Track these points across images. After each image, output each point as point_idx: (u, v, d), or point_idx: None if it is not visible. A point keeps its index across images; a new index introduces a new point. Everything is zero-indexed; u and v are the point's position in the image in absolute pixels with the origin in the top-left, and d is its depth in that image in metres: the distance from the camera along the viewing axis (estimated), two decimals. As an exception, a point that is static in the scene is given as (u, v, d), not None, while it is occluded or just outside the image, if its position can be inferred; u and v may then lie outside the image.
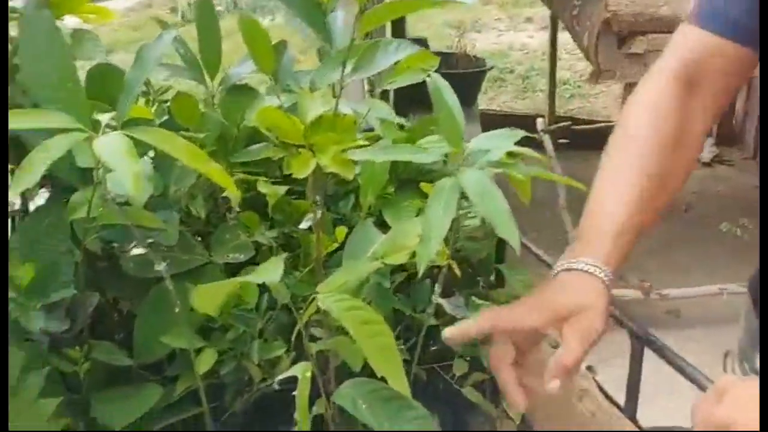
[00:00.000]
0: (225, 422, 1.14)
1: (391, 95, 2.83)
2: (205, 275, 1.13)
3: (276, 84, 0.96)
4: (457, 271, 0.97)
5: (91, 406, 1.02)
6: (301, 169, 0.83)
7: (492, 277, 1.22)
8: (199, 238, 1.22)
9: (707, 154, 4.19)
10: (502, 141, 0.85)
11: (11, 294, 0.90)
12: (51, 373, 0.97)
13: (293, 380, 1.14)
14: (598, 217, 0.89)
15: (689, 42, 1.00)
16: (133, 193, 0.75)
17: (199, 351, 1.04)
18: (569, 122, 4.44)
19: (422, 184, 1.25)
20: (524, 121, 4.11)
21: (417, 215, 1.28)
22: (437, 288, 0.99)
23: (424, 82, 0.92)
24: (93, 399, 1.04)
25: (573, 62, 6.40)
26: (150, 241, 1.20)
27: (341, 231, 1.06)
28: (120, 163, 0.75)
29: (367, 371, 0.88)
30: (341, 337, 0.84)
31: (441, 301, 1.03)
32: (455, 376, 1.19)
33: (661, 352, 0.91)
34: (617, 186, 0.90)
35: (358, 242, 1.11)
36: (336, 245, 1.05)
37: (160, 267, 0.92)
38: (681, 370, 0.92)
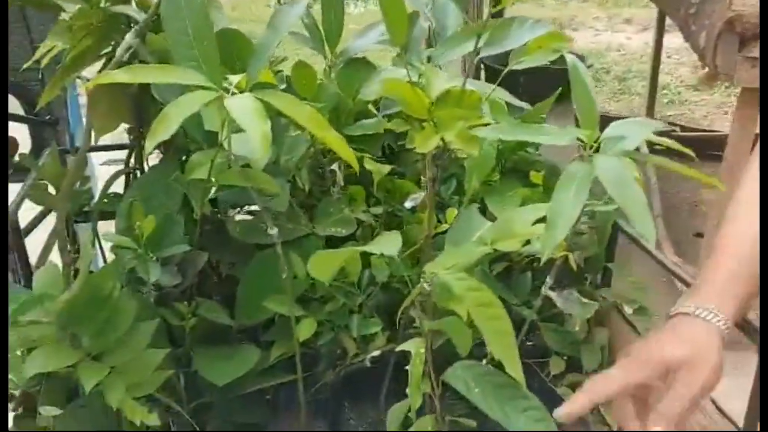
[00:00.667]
0: (316, 392, 1.15)
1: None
2: (307, 246, 1.13)
3: (405, 56, 0.94)
4: (574, 264, 0.93)
5: (194, 361, 1.04)
6: (425, 143, 0.81)
7: (599, 276, 1.17)
8: (302, 210, 1.23)
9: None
10: (638, 129, 0.80)
11: (131, 245, 0.93)
12: (158, 326, 1.00)
13: (384, 359, 1.14)
14: (730, 257, 0.78)
15: None
16: (259, 153, 0.75)
17: (298, 319, 1.05)
18: (670, 128, 4.24)
19: (532, 174, 1.21)
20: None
21: (521, 205, 1.24)
22: (548, 280, 0.95)
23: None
24: (195, 355, 1.06)
25: (673, 67, 6.11)
26: (254, 208, 1.23)
27: (452, 213, 1.04)
28: (250, 123, 0.76)
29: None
30: (453, 318, 0.82)
31: (551, 294, 0.99)
32: (550, 374, 1.16)
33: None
34: (754, 226, 0.80)
35: (463, 227, 1.08)
36: (446, 227, 1.03)
37: (273, 231, 0.93)
38: None
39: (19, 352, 0.84)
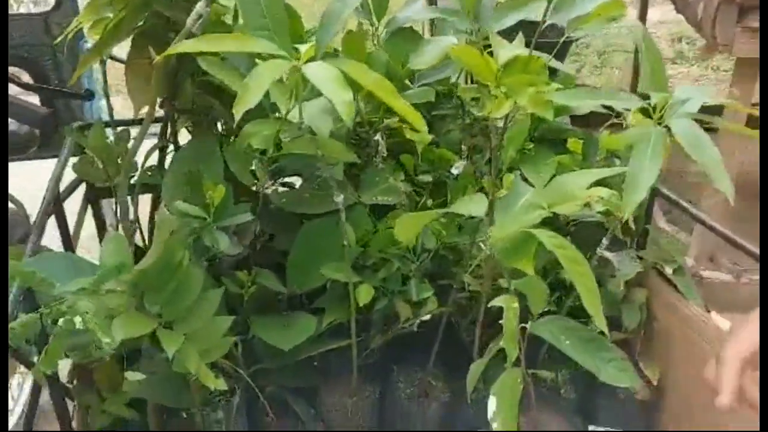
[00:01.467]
0: (366, 356, 1.18)
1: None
2: (353, 215, 1.15)
3: (477, 22, 0.96)
4: (632, 225, 0.97)
5: (254, 329, 1.06)
6: (498, 109, 0.83)
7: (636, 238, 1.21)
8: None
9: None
10: (698, 94, 0.84)
11: (198, 212, 0.94)
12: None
13: (433, 323, 1.17)
14: None
15: None
16: (346, 118, 0.77)
17: (354, 286, 1.07)
18: (652, 100, 4.31)
19: (571, 141, 1.25)
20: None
21: (557, 171, 1.28)
22: (605, 241, 0.99)
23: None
24: (253, 323, 1.08)
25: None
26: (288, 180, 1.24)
27: (509, 179, 1.07)
28: (334, 90, 0.78)
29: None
30: (532, 277, 0.86)
31: (608, 255, 1.03)
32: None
33: None
34: None
35: (510, 193, 1.12)
36: (505, 192, 1.05)
37: (339, 199, 0.95)
38: None
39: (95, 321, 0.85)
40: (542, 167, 1.29)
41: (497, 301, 0.83)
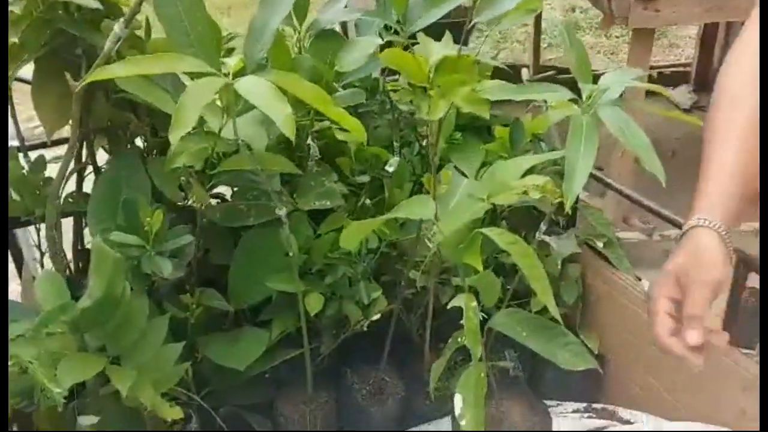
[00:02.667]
0: (319, 362, 1.17)
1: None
2: (292, 223, 1.13)
3: (404, 26, 0.96)
4: (568, 209, 1.00)
5: (204, 350, 1.03)
6: (434, 111, 0.84)
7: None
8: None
9: (686, 101, 4.30)
10: (617, 79, 0.88)
11: (137, 242, 0.90)
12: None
13: (377, 321, 1.18)
14: (713, 174, 0.87)
15: None
16: (287, 133, 0.75)
17: (301, 296, 1.06)
18: (554, 71, 4.47)
19: (498, 129, 1.28)
20: (508, 71, 4.13)
21: (486, 158, 1.31)
22: (543, 226, 1.03)
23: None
24: (202, 344, 1.05)
25: (547, 11, 6.41)
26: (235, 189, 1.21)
27: (447, 174, 1.08)
28: (271, 105, 0.76)
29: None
30: (486, 272, 0.87)
31: (547, 239, 1.07)
32: (532, 311, 1.25)
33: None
34: (730, 142, 0.89)
35: (449, 188, 1.13)
36: (445, 187, 1.07)
37: (281, 212, 0.93)
38: None
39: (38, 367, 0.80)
40: (472, 156, 1.32)
41: (455, 302, 0.85)
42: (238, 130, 0.87)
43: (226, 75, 0.82)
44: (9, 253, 1.42)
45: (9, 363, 0.77)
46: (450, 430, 1.12)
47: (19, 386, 0.83)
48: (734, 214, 0.86)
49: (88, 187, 1.21)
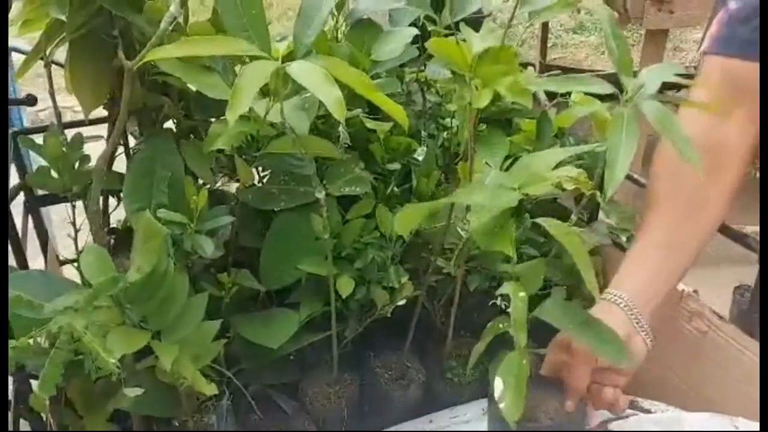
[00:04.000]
0: (343, 346, 1.20)
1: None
2: (321, 208, 1.16)
3: (451, 14, 0.98)
4: (600, 200, 1.02)
5: (240, 328, 1.05)
6: (478, 99, 0.86)
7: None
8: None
9: (691, 104, 4.36)
10: (657, 74, 0.90)
11: (182, 219, 0.92)
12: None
13: (404, 309, 1.20)
14: (635, 259, 1.01)
15: (714, 72, 1.00)
16: (338, 116, 0.77)
17: (332, 279, 1.08)
18: (559, 71, 4.49)
19: (525, 121, 1.30)
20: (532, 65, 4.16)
21: (511, 150, 1.33)
22: (573, 217, 1.05)
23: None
24: (236, 322, 1.07)
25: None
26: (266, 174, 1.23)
27: (479, 162, 1.10)
28: (323, 88, 0.78)
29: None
30: (539, 260, 0.90)
31: (577, 230, 1.09)
32: (552, 302, 1.27)
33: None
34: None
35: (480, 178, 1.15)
36: (480, 175, 1.09)
37: (320, 195, 0.95)
38: None
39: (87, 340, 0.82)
40: (496, 148, 1.34)
41: (503, 290, 0.87)
42: (289, 113, 0.89)
43: (277, 59, 0.83)
44: (36, 230, 1.44)
45: (58, 335, 0.79)
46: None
47: (62, 360, 0.84)
48: (655, 287, 0.92)
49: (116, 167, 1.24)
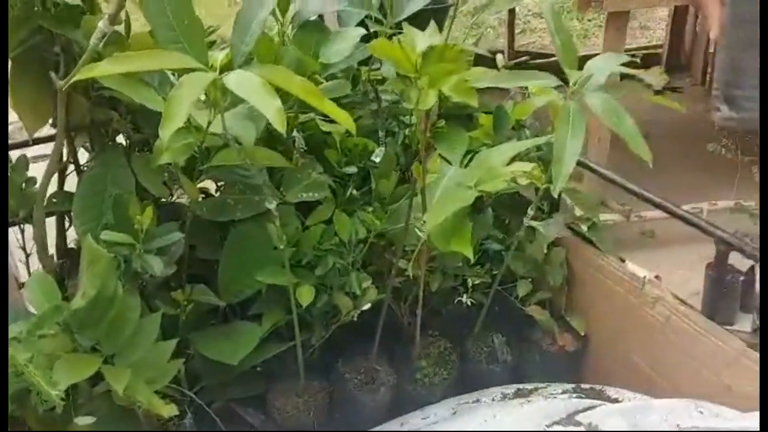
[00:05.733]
0: (310, 354, 1.18)
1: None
2: (280, 216, 1.14)
3: (390, 16, 0.96)
4: (556, 193, 1.01)
5: (199, 345, 1.03)
6: (424, 100, 0.85)
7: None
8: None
9: (660, 82, 4.37)
10: (603, 65, 0.89)
11: (127, 240, 0.90)
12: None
13: (370, 311, 1.19)
14: None
15: None
16: (278, 127, 0.75)
17: (292, 289, 1.06)
18: (528, 57, 4.50)
19: (482, 116, 1.28)
20: (483, 57, 4.17)
21: (471, 146, 1.32)
22: (530, 212, 1.04)
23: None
24: (195, 339, 1.05)
25: (519, -3, 6.43)
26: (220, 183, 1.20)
27: (435, 162, 1.09)
28: (262, 99, 0.76)
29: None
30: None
31: (535, 224, 1.08)
32: (518, 296, 1.27)
33: (751, 255, 1.00)
34: None
35: (437, 177, 1.14)
36: (435, 175, 1.07)
37: (271, 206, 0.93)
38: None
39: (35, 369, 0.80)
40: (456, 144, 1.32)
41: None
42: (226, 124, 0.87)
43: (214, 69, 0.81)
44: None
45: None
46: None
47: (12, 390, 0.82)
48: None
49: (69, 186, 1.20)
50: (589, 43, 5.77)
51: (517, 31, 6.16)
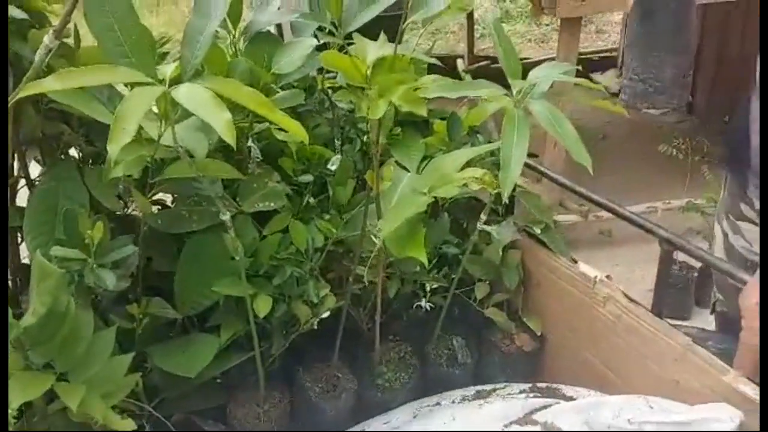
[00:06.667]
0: (270, 363, 1.18)
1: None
2: (236, 226, 1.13)
3: (339, 27, 0.97)
4: (505, 198, 1.03)
5: (156, 358, 1.03)
6: (374, 110, 0.86)
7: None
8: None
9: (614, 85, 4.47)
10: (546, 74, 0.92)
11: (78, 255, 0.89)
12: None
13: (330, 319, 1.19)
14: None
15: None
16: (227, 139, 0.76)
17: (249, 300, 1.06)
18: (488, 62, 4.56)
19: (436, 123, 1.30)
20: (444, 62, 4.22)
21: (426, 152, 1.34)
22: (483, 216, 1.06)
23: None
24: (152, 353, 1.04)
25: (478, 2, 6.52)
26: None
27: (388, 170, 1.10)
28: (210, 111, 0.76)
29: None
30: None
31: (488, 228, 1.10)
32: (477, 299, 1.29)
33: (692, 252, 1.03)
34: None
35: (392, 183, 1.16)
36: (389, 182, 1.09)
37: (225, 217, 0.93)
38: (714, 266, 1.05)
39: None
40: (412, 151, 1.34)
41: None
42: (177, 137, 0.87)
43: (163, 83, 0.81)
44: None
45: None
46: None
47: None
48: None
49: (21, 201, 1.19)
50: (547, 47, 5.87)
51: (477, 35, 6.25)
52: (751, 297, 0.79)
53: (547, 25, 6.04)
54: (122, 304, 1.08)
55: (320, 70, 1.26)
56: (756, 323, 0.81)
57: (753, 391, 0.91)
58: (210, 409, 1.18)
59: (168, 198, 1.26)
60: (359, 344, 1.28)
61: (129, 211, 1.22)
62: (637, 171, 3.50)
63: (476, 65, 4.42)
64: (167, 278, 1.14)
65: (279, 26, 1.63)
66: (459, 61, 4.37)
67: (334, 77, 1.32)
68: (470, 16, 4.68)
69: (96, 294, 1.03)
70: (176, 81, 0.83)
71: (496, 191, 1.03)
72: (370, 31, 1.06)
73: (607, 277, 1.16)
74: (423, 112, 0.87)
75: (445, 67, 1.25)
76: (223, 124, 0.76)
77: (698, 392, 0.98)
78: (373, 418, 1.21)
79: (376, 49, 0.89)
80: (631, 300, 1.10)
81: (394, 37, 1.09)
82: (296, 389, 1.22)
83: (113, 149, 0.72)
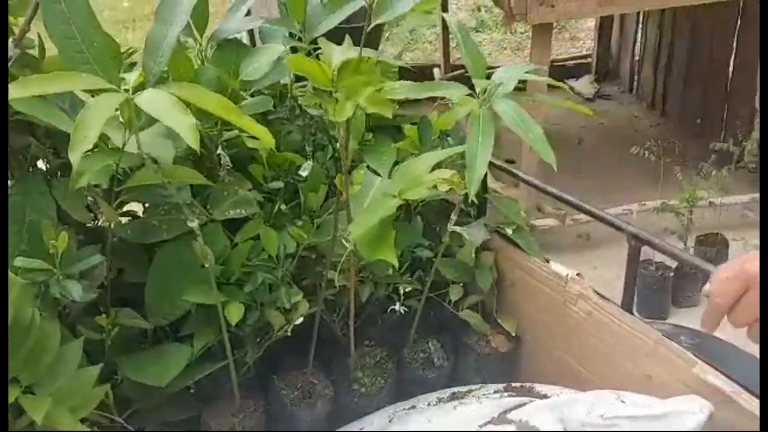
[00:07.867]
0: (244, 372, 1.17)
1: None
2: (207, 234, 1.13)
3: (306, 33, 0.97)
4: (475, 200, 1.04)
5: (126, 371, 1.01)
6: (341, 113, 0.86)
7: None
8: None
9: (589, 90, 4.52)
10: (510, 74, 0.93)
11: (42, 266, 0.88)
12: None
13: (304, 325, 1.19)
14: None
15: None
16: (192, 144, 0.76)
17: (220, 307, 1.06)
18: (463, 70, 4.59)
19: (407, 127, 1.31)
20: (422, 71, 4.23)
21: (398, 156, 1.34)
22: (453, 217, 1.06)
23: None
24: (123, 365, 1.03)
25: (453, 12, 6.58)
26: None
27: (358, 174, 1.10)
28: (174, 118, 0.76)
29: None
30: None
31: (458, 229, 1.11)
32: (451, 301, 1.29)
33: (661, 248, 1.05)
34: None
35: (362, 188, 1.16)
36: (358, 187, 1.09)
37: (193, 224, 0.93)
38: (682, 260, 1.06)
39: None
40: (384, 155, 1.35)
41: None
42: (142, 144, 0.86)
43: (126, 90, 0.81)
44: None
45: None
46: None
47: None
48: None
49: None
50: (522, 55, 5.92)
51: (453, 45, 6.29)
52: (721, 272, 0.80)
53: (523, 33, 6.10)
54: (93, 315, 1.07)
55: (298, 78, 1.26)
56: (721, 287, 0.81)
57: (722, 383, 0.92)
58: (184, 420, 1.17)
59: (140, 209, 1.25)
60: (334, 350, 1.27)
61: (99, 222, 1.21)
62: (614, 173, 3.54)
63: (452, 73, 4.46)
64: (140, 289, 1.13)
65: (251, 34, 1.63)
66: (436, 70, 4.41)
67: (305, 85, 1.33)
68: (445, 27, 4.72)
69: (64, 305, 1.02)
70: (140, 88, 0.83)
71: (464, 191, 1.03)
72: (339, 40, 1.07)
73: (578, 275, 1.16)
74: (389, 114, 0.88)
75: (423, 75, 1.26)
76: (186, 128, 0.76)
77: (669, 386, 0.99)
78: (347, 425, 1.20)
79: (341, 53, 0.89)
80: (602, 297, 1.11)
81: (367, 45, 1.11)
82: (271, 397, 1.22)
83: (75, 157, 0.71)
